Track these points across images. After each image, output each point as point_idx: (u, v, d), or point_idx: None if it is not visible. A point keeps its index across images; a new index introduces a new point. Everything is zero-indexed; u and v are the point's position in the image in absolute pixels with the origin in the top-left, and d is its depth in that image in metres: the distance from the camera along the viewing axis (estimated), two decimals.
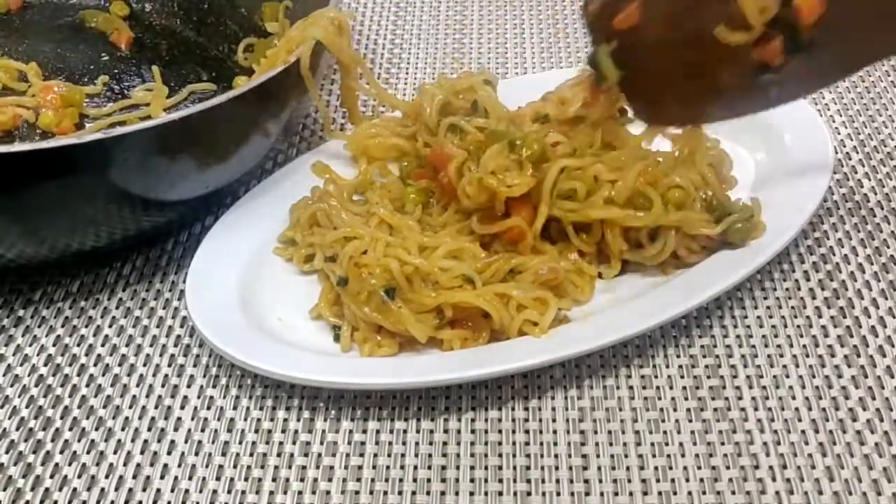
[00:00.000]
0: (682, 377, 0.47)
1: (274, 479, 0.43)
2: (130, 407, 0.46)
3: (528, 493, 0.42)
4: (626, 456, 0.43)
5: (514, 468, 0.43)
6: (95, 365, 0.48)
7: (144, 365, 0.48)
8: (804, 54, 0.45)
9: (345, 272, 0.47)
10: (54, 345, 0.49)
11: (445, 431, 0.45)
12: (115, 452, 0.44)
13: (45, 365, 0.48)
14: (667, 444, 0.44)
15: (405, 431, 0.45)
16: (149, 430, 0.45)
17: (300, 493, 0.42)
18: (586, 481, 0.42)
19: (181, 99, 0.64)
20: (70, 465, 0.44)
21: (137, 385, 0.47)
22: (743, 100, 0.48)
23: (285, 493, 0.42)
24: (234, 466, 0.43)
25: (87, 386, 0.47)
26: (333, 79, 0.68)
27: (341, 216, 0.51)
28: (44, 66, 0.66)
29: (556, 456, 0.43)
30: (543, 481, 0.42)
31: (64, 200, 0.46)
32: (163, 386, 0.47)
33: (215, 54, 0.68)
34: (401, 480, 0.43)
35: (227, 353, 0.45)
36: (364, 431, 0.45)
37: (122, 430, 0.45)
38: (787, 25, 0.44)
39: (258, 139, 0.53)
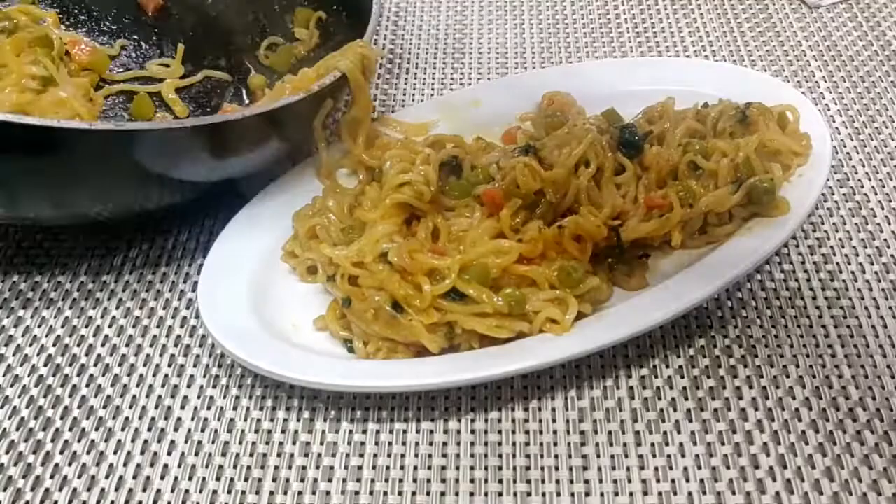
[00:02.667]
0: (681, 377, 0.47)
1: (274, 480, 0.43)
2: (130, 407, 0.46)
3: (528, 494, 0.42)
4: (625, 456, 0.43)
5: (514, 469, 0.43)
6: (95, 365, 0.48)
7: (144, 365, 0.48)
8: None
9: (344, 293, 0.47)
10: (54, 345, 0.49)
11: (445, 432, 0.45)
12: (115, 453, 0.44)
13: (45, 365, 0.48)
14: (666, 444, 0.44)
15: (405, 432, 0.45)
16: (149, 430, 0.45)
17: (300, 493, 0.42)
18: (586, 482, 0.42)
19: (195, 82, 0.63)
20: (70, 465, 0.44)
21: (137, 385, 0.47)
22: None
23: (285, 493, 0.42)
24: (234, 467, 0.43)
25: (87, 386, 0.47)
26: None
27: (339, 236, 0.50)
28: (67, 13, 0.65)
29: (556, 456, 0.43)
30: (543, 482, 0.42)
31: (72, 173, 0.46)
32: (163, 386, 0.47)
33: (239, 43, 0.67)
34: (400, 481, 0.43)
35: (232, 353, 0.45)
36: (364, 432, 0.45)
37: (122, 430, 0.45)
38: None
39: (268, 152, 0.53)
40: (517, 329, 0.46)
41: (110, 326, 0.50)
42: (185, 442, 0.45)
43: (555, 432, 0.44)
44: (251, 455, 0.44)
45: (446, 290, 0.46)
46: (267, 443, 0.44)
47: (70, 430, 0.45)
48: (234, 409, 0.46)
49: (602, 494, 0.42)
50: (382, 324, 0.46)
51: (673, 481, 0.42)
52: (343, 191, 0.54)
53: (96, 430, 0.45)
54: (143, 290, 0.52)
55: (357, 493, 0.42)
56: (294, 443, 0.44)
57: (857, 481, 0.42)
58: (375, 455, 0.44)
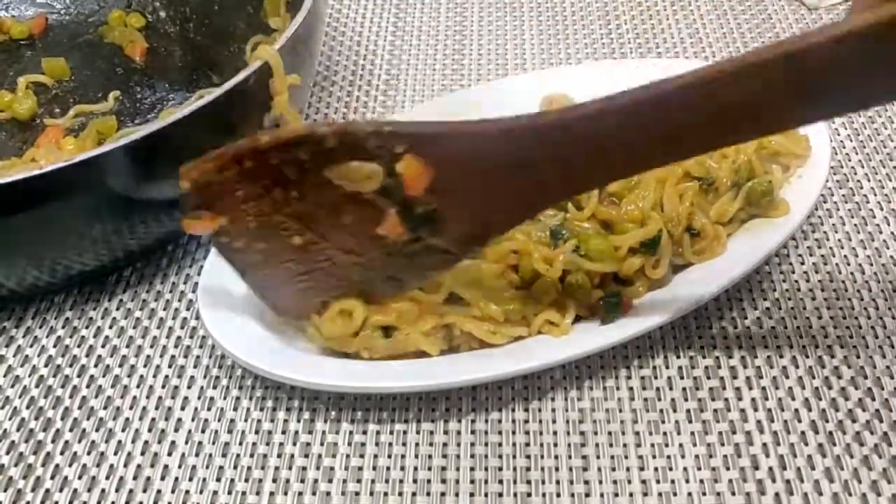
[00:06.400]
0: (681, 378, 0.47)
1: (274, 480, 0.43)
2: (131, 408, 0.46)
3: (529, 495, 0.42)
4: (626, 457, 0.43)
5: (515, 469, 0.43)
6: (96, 366, 0.48)
7: (145, 366, 0.48)
8: (430, 226, 0.41)
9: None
10: (55, 346, 0.49)
11: (445, 433, 0.45)
12: (115, 453, 0.44)
13: (46, 366, 0.48)
14: (666, 445, 0.44)
15: (405, 433, 0.45)
16: (149, 431, 0.45)
17: (300, 493, 0.42)
18: (586, 482, 0.42)
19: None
20: (70, 465, 0.44)
21: (138, 386, 0.47)
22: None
23: (286, 493, 0.42)
24: (235, 467, 0.44)
25: (88, 387, 0.47)
26: (323, 85, 0.68)
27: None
28: (60, 86, 0.67)
29: (556, 457, 0.44)
30: (544, 482, 0.42)
31: (59, 223, 0.46)
32: (163, 387, 0.47)
33: (226, 55, 0.68)
34: (401, 481, 0.43)
35: (233, 354, 0.45)
36: (364, 432, 0.45)
37: (123, 431, 0.45)
38: (402, 199, 0.40)
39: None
40: (514, 335, 0.46)
41: (111, 327, 0.50)
42: (186, 443, 0.45)
43: (555, 433, 0.45)
44: (251, 456, 0.44)
45: (442, 298, 0.46)
46: (267, 443, 0.45)
47: (70, 430, 0.45)
48: (235, 409, 0.46)
49: (602, 495, 0.42)
50: (381, 349, 0.45)
51: (673, 482, 0.42)
52: None
53: (97, 430, 0.45)
54: (143, 290, 0.52)
55: (357, 493, 0.42)
56: (294, 443, 0.44)
57: (856, 482, 0.42)
58: (376, 456, 0.44)
